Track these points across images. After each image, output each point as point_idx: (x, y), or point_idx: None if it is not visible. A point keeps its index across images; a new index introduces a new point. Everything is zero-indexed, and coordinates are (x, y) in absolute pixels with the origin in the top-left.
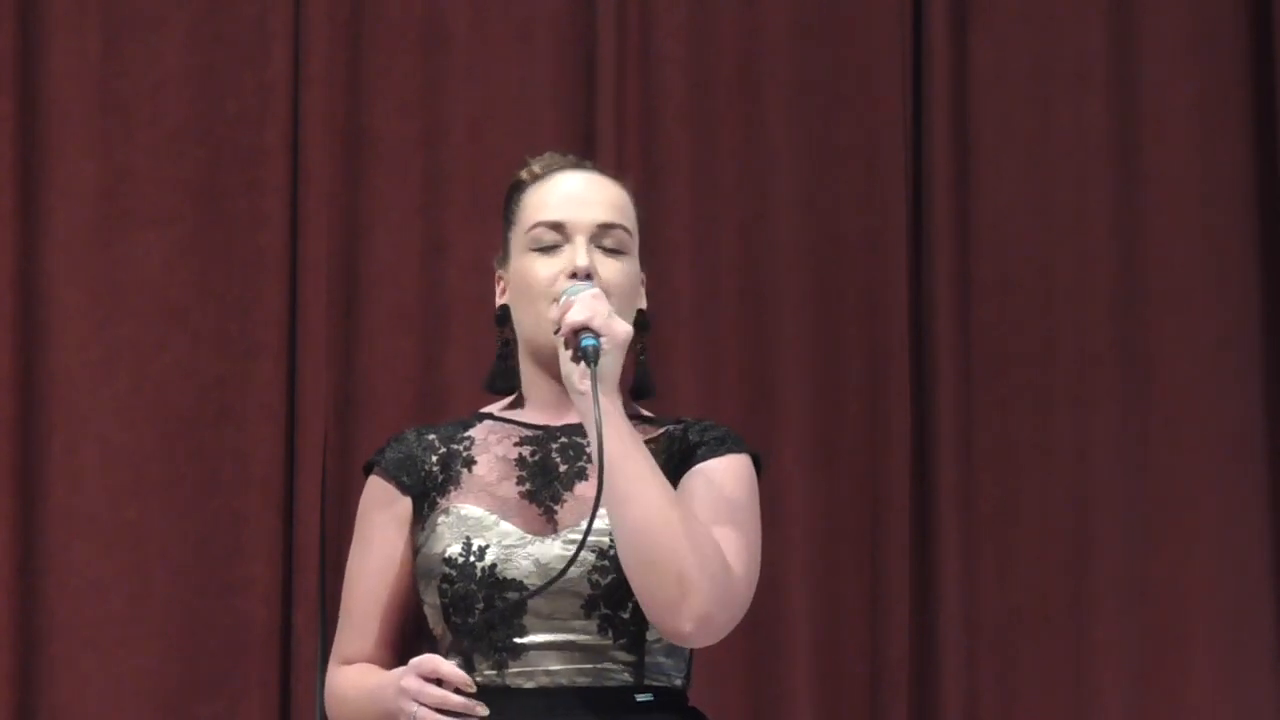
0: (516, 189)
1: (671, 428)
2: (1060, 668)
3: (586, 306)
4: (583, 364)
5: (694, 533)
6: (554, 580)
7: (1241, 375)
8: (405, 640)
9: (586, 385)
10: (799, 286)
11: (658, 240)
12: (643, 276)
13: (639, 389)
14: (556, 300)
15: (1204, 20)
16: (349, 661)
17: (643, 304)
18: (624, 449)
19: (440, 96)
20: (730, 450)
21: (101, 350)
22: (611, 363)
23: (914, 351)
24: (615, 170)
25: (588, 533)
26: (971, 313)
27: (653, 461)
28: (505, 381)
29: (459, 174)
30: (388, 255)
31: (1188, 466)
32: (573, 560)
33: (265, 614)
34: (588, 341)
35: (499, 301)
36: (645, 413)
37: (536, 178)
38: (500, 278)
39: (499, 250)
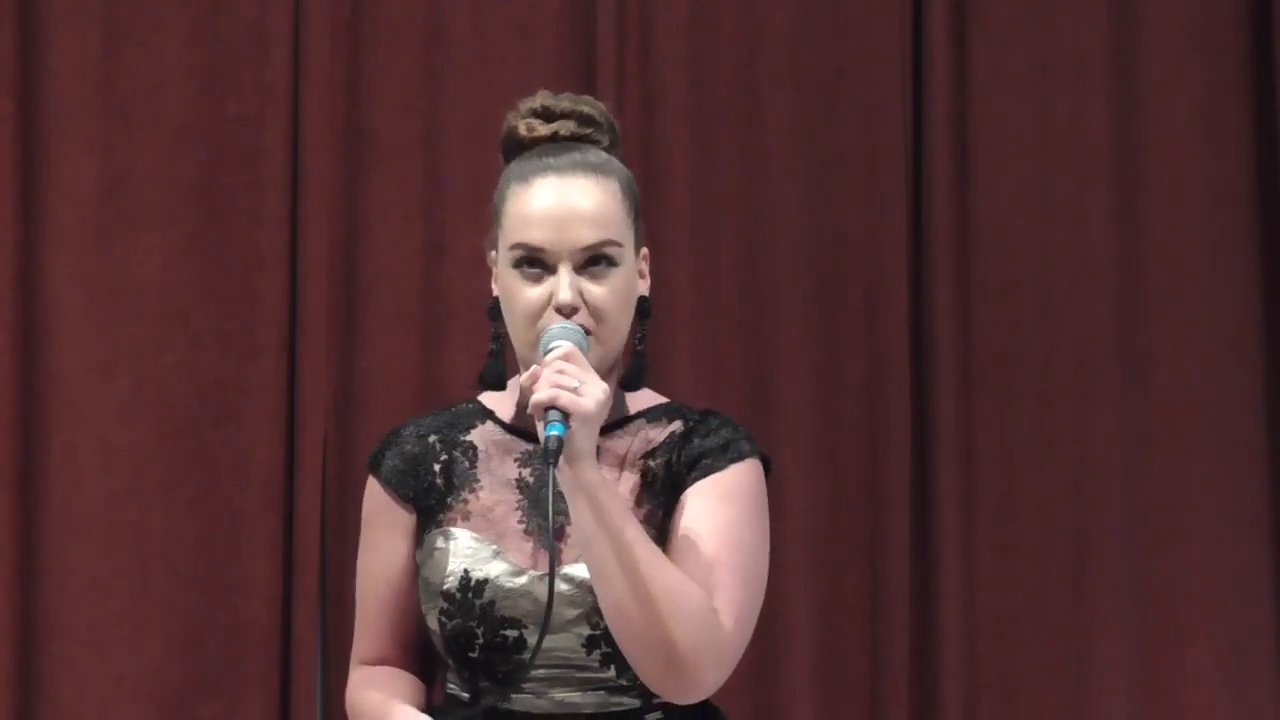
0: (509, 155)
1: (676, 428)
2: (1060, 668)
3: (551, 381)
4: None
5: (678, 601)
6: (542, 637)
7: (1241, 375)
8: (422, 638)
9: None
10: (799, 286)
11: (658, 240)
12: (644, 253)
13: (629, 381)
14: (539, 336)
15: (1204, 20)
16: (366, 662)
17: (644, 290)
18: (602, 526)
19: (440, 96)
20: (734, 459)
21: (101, 350)
22: (584, 437)
23: (914, 352)
24: (607, 140)
25: (549, 615)
26: (972, 313)
27: (636, 528)
28: (497, 377)
29: (459, 174)
30: (388, 255)
31: (1188, 466)
32: (544, 632)
33: (265, 614)
34: (551, 430)
35: (494, 291)
36: (656, 400)
37: (522, 173)
38: (493, 262)
39: (489, 230)
